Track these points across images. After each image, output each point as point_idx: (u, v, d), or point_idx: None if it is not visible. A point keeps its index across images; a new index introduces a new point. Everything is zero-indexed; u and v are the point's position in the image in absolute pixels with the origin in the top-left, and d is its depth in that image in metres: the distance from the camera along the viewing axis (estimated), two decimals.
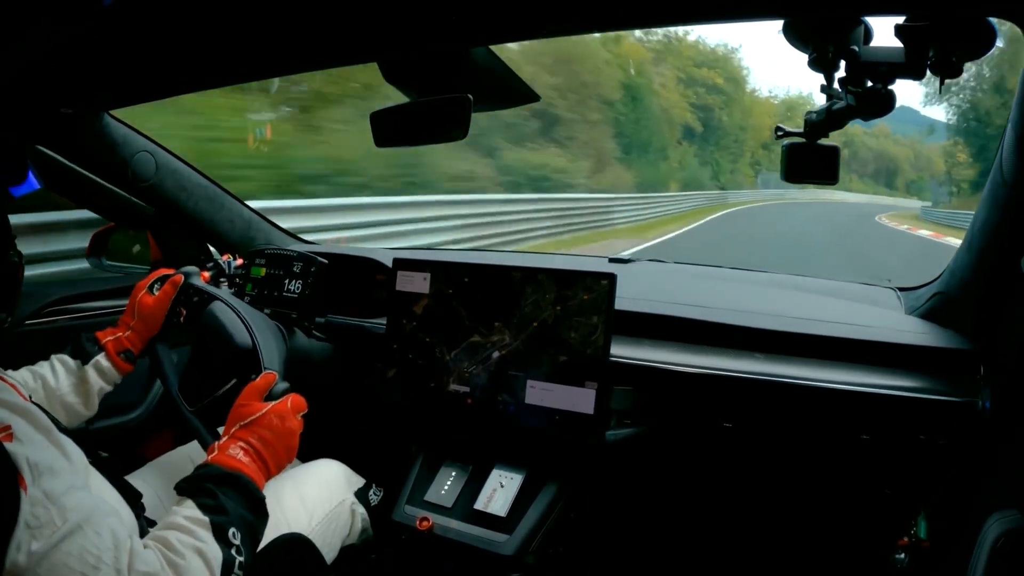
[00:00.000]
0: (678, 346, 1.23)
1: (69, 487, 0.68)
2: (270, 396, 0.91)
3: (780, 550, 1.36)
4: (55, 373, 1.07)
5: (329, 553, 1.13)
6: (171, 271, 1.20)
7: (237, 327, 1.12)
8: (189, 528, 0.74)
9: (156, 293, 1.16)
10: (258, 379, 0.93)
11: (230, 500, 0.78)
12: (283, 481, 1.14)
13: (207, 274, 1.50)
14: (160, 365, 1.16)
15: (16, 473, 0.64)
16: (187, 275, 1.19)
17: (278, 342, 1.15)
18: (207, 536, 0.74)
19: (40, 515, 0.63)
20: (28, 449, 0.66)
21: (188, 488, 0.79)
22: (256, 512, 0.81)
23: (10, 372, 1.05)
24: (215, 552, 0.73)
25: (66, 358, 1.10)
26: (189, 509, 0.76)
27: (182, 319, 1.20)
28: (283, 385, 0.94)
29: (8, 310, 0.91)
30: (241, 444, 0.85)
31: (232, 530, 0.76)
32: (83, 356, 1.10)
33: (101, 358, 1.11)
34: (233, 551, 0.74)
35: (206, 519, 0.75)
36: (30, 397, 0.89)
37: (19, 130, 1.21)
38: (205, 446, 1.06)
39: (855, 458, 1.16)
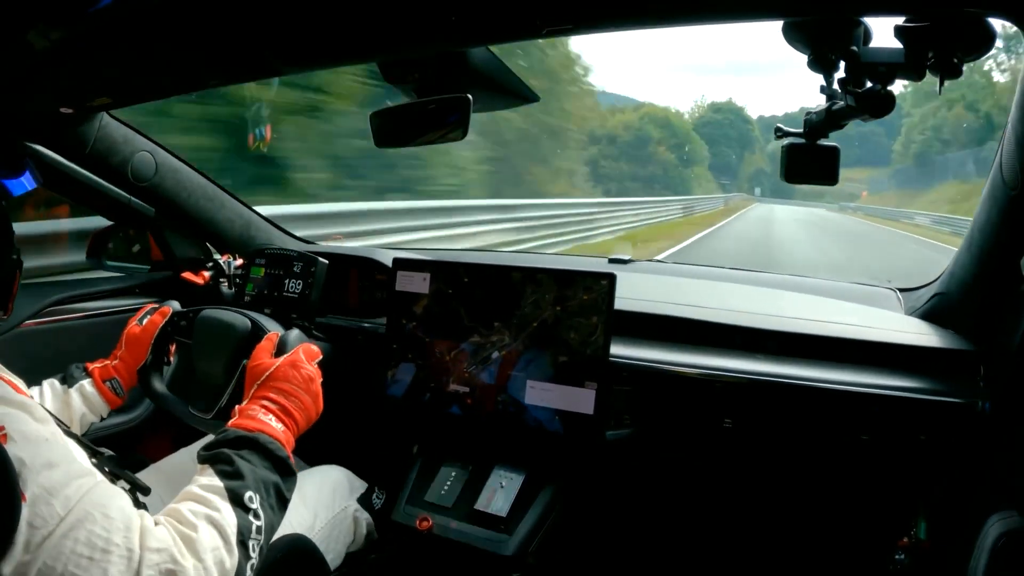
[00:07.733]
0: (678, 346, 1.23)
1: (70, 476, 0.66)
2: (280, 351, 0.91)
3: (780, 550, 1.36)
4: (42, 397, 1.07)
5: (334, 560, 1.12)
6: (160, 306, 1.21)
7: (234, 316, 1.17)
8: (203, 497, 0.73)
9: (144, 324, 1.17)
10: (263, 340, 0.93)
11: (248, 463, 0.77)
12: None
13: (207, 273, 1.52)
14: (157, 398, 1.17)
15: (15, 479, 0.63)
16: (172, 306, 1.20)
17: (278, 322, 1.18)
18: (221, 503, 0.72)
19: (42, 511, 0.62)
20: (22, 448, 0.65)
21: (208, 456, 0.78)
22: (281, 471, 0.79)
23: None
24: (229, 519, 0.72)
25: (55, 382, 1.10)
26: (207, 477, 0.75)
27: (170, 357, 1.22)
28: (294, 333, 0.94)
29: (4, 308, 0.91)
30: (262, 403, 0.84)
31: (249, 494, 0.74)
32: (70, 382, 1.10)
33: (86, 383, 1.10)
34: (251, 516, 0.73)
35: (221, 485, 0.74)
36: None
37: (13, 127, 1.21)
38: None
39: (855, 459, 1.16)
